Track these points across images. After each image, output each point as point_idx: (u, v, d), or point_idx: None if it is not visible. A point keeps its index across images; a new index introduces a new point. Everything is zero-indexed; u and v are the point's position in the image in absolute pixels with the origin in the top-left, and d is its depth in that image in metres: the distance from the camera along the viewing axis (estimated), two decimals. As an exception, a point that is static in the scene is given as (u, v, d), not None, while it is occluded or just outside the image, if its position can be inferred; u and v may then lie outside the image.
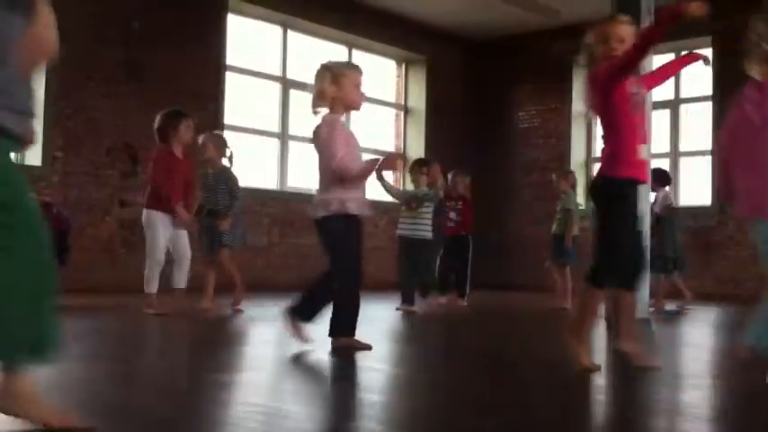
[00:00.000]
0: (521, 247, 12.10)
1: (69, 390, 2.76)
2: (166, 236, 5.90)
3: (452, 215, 7.97)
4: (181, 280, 6.00)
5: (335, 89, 4.04)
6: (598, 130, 11.97)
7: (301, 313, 4.02)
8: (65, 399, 2.55)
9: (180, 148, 6.00)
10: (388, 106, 12.15)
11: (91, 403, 2.54)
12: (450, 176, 8.20)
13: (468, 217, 8.09)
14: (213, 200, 6.32)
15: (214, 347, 4.29)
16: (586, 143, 12.12)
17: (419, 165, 7.36)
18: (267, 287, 9.18)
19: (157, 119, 6.02)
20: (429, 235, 6.96)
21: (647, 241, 6.95)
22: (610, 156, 3.52)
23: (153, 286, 5.91)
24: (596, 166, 11.79)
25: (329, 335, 3.98)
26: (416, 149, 12.20)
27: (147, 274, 5.93)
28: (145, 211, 5.96)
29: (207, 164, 6.43)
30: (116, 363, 3.56)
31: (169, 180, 5.84)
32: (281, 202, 10.19)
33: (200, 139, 6.42)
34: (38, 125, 8.41)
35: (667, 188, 8.25)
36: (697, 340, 5.53)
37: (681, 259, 8.05)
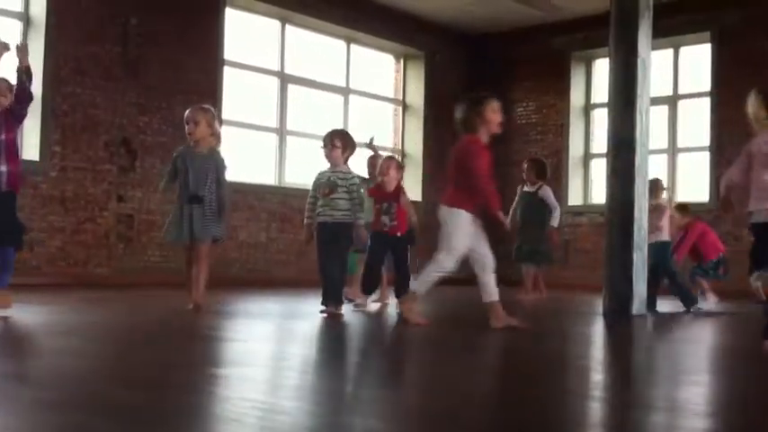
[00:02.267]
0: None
1: (60, 386, 2.75)
2: (467, 241, 5.03)
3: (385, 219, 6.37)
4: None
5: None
6: (596, 126, 11.98)
7: None
8: (55, 395, 2.54)
9: (487, 136, 5.04)
10: (386, 101, 12.14)
11: (84, 399, 2.53)
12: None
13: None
14: (200, 185, 5.74)
15: (208, 343, 4.28)
16: (585, 138, 12.11)
17: None
18: (265, 283, 9.17)
19: (459, 108, 5.10)
20: None
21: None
22: None
23: (427, 286, 5.14)
24: (594, 162, 11.82)
25: None
26: (414, 145, 12.19)
27: (430, 275, 5.11)
28: (449, 209, 5.02)
29: (195, 142, 5.83)
30: (110, 358, 3.55)
31: (487, 177, 4.98)
32: (279, 198, 10.18)
33: (187, 113, 5.87)
34: (35, 120, 8.44)
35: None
36: (696, 336, 5.53)
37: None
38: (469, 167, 4.90)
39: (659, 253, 7.23)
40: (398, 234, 6.38)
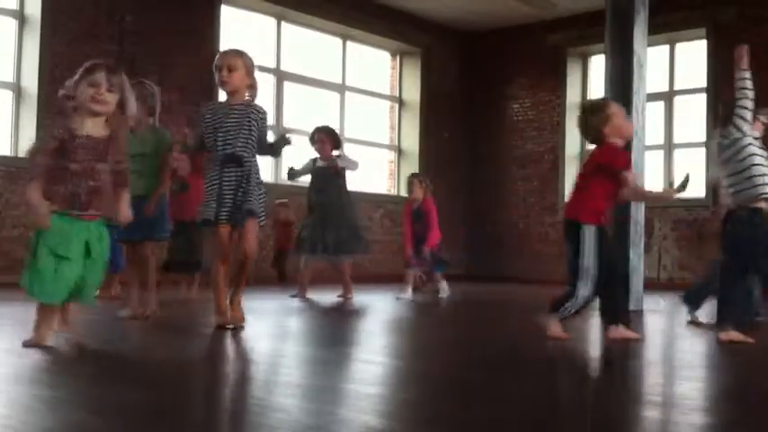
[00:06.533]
0: (515, 239, 12.12)
1: (59, 384, 2.75)
2: None
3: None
4: None
5: None
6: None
7: None
8: (53, 393, 2.54)
9: None
10: (382, 98, 12.13)
11: (82, 398, 2.53)
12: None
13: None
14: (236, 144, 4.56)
15: (204, 340, 4.28)
16: (580, 136, 12.12)
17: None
18: (260, 279, 9.16)
19: None
20: None
21: None
22: None
23: None
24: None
25: None
26: (411, 142, 12.19)
27: None
28: None
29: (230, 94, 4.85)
30: (106, 356, 3.55)
31: None
32: (275, 195, 10.16)
33: (218, 58, 4.94)
34: (31, 118, 8.41)
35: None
36: (690, 331, 5.54)
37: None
38: None
39: None
40: None
